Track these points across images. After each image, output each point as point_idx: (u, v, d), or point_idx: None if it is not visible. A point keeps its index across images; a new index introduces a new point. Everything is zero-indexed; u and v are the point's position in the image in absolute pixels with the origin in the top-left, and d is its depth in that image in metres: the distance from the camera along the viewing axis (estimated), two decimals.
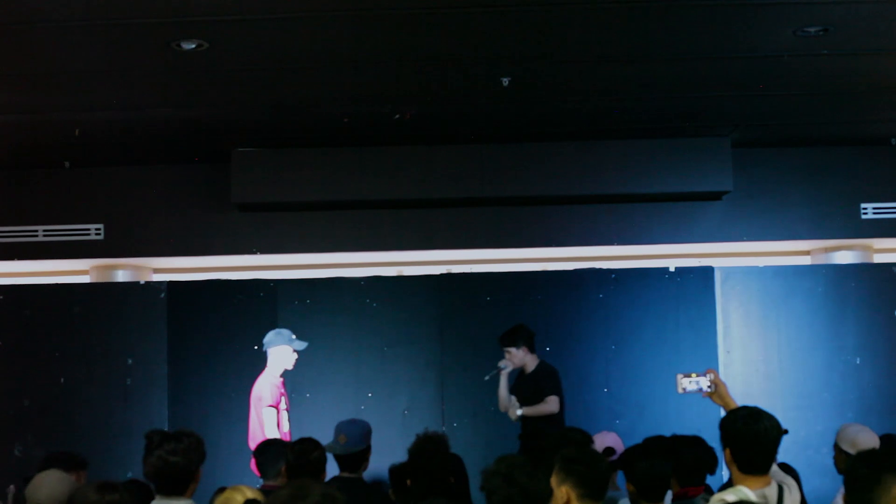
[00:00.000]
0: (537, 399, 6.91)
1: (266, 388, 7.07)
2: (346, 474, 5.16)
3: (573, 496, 3.58)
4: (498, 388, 7.10)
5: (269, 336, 7.26)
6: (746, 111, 7.43)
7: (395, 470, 5.34)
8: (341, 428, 5.25)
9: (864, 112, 7.52)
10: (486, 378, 7.20)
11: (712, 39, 5.92)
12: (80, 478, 4.98)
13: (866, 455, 3.41)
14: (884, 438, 5.54)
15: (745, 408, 3.72)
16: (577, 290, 8.26)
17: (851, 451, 5.04)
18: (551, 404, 6.85)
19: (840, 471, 4.98)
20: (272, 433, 6.83)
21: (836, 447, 5.18)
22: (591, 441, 4.75)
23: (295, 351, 7.24)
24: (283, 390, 7.20)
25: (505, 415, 7.12)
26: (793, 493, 3.72)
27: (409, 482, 4.41)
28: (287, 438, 6.88)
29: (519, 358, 7.05)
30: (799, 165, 8.35)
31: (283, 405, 7.09)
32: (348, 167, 7.99)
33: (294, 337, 7.26)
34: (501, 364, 7.06)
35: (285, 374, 7.29)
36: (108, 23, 5.41)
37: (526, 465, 3.42)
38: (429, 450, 4.62)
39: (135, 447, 6.43)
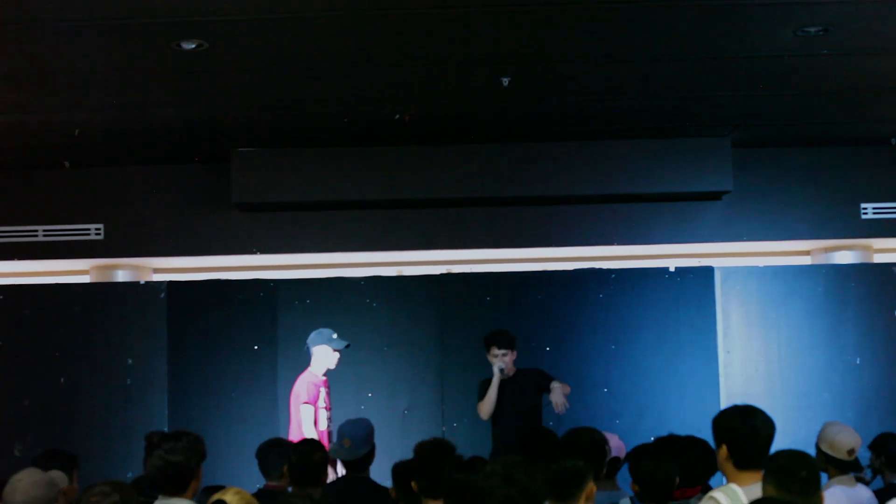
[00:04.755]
0: (532, 397, 6.86)
1: (303, 385, 7.09)
2: (354, 474, 5.16)
3: None
4: (487, 394, 6.90)
5: (311, 336, 7.30)
6: (746, 111, 7.43)
7: (398, 468, 5.33)
8: (344, 431, 5.21)
9: (864, 112, 7.52)
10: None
11: (712, 39, 5.92)
12: (72, 477, 4.97)
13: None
14: (884, 437, 5.53)
15: (738, 405, 3.74)
16: (577, 290, 8.25)
17: (830, 451, 5.00)
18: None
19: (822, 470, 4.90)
20: (309, 431, 6.86)
21: (817, 446, 5.12)
22: (605, 441, 4.75)
23: (336, 350, 7.23)
24: (325, 388, 7.19)
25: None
26: None
27: (413, 484, 4.39)
28: (324, 436, 6.94)
29: (512, 361, 6.95)
30: (799, 165, 8.35)
31: (321, 403, 7.10)
32: (348, 167, 7.99)
33: (335, 336, 7.26)
34: (499, 367, 6.87)
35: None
36: (108, 23, 5.41)
37: (525, 464, 3.41)
38: (436, 452, 4.54)
39: (135, 447, 6.46)
